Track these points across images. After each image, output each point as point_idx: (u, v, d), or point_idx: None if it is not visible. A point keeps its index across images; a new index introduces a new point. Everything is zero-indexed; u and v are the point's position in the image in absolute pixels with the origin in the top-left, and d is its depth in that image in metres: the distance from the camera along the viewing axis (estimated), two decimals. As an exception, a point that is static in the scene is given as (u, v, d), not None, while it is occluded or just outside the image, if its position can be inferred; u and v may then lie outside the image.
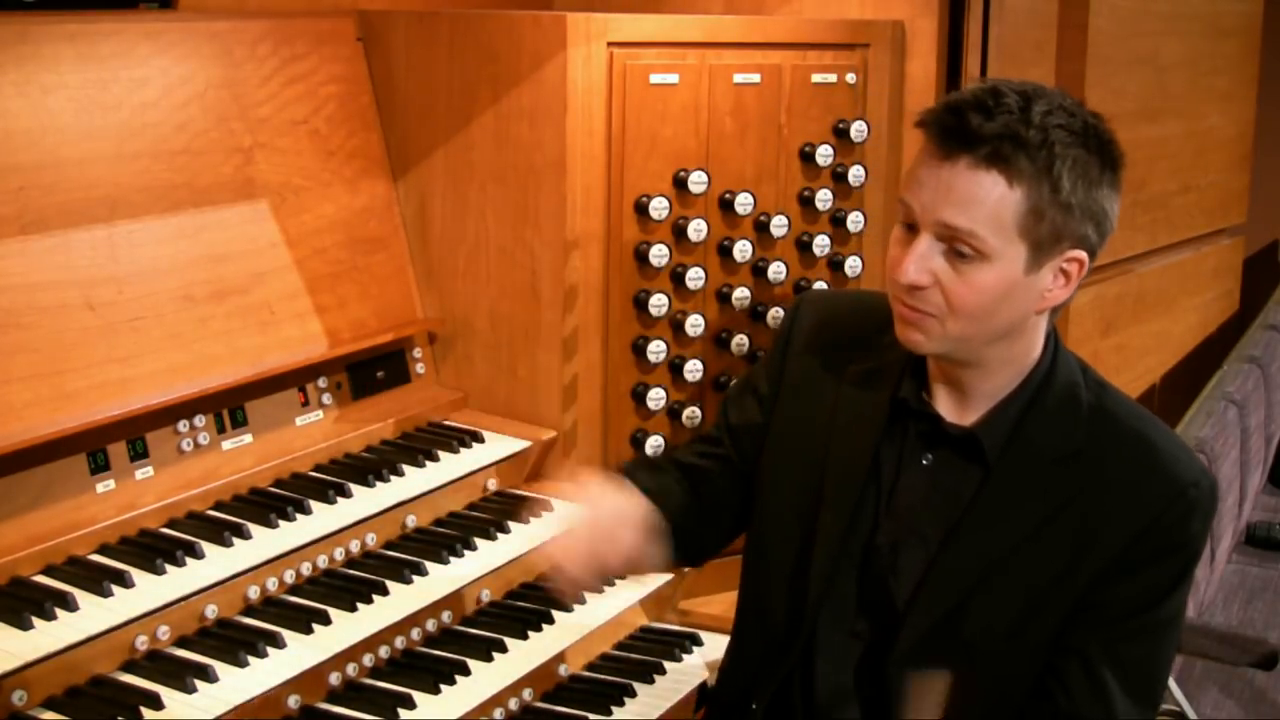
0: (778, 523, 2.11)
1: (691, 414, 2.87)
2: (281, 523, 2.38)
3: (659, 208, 2.78)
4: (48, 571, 2.17)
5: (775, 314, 2.94)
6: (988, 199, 1.80)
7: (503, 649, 2.31)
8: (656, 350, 2.83)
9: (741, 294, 2.91)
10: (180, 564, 2.22)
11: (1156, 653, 1.95)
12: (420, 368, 2.95)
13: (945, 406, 1.99)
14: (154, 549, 2.25)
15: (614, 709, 2.28)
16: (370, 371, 2.84)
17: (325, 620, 2.22)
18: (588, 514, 2.04)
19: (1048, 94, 1.85)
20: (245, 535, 2.32)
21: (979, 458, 1.96)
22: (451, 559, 2.46)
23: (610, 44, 2.71)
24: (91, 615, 2.06)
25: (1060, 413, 1.94)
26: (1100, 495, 1.90)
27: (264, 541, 2.32)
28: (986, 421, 1.95)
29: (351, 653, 2.18)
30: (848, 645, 2.02)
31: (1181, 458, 1.94)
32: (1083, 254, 1.88)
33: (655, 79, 2.76)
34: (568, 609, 2.46)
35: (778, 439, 2.15)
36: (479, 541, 2.53)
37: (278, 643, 2.14)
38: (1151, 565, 1.90)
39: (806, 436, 2.09)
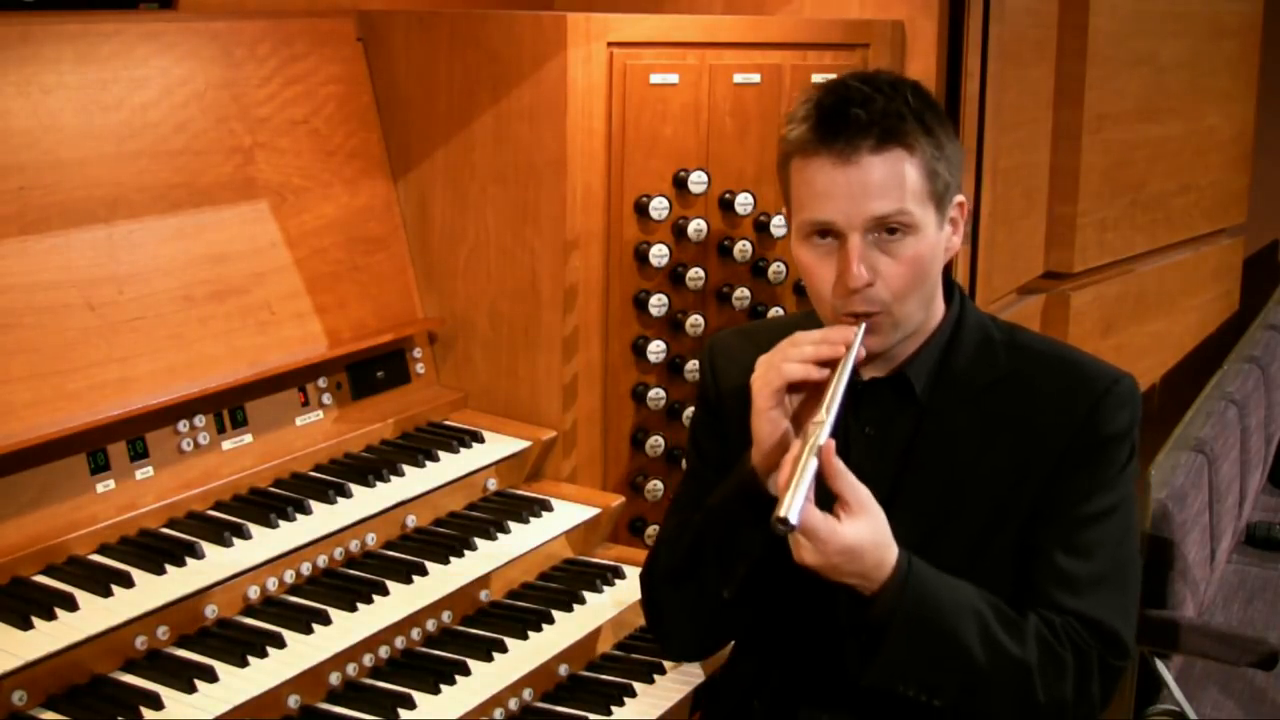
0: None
1: (691, 414, 2.86)
2: (281, 523, 2.38)
3: (659, 208, 2.78)
4: (48, 571, 2.17)
5: (775, 314, 2.94)
6: (901, 176, 1.89)
7: (503, 649, 2.31)
8: (656, 350, 2.83)
9: (741, 294, 2.91)
10: (180, 564, 2.22)
11: (1114, 535, 2.00)
12: (420, 368, 2.95)
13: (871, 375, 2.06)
14: (154, 549, 2.25)
15: (614, 709, 2.28)
16: (370, 371, 2.84)
17: (325, 620, 2.22)
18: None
19: (876, 73, 1.96)
20: (245, 535, 2.32)
21: (911, 399, 2.02)
22: (451, 559, 2.46)
23: (610, 44, 2.72)
24: (91, 615, 2.06)
25: (978, 349, 2.04)
26: (1033, 407, 1.99)
27: (264, 541, 2.33)
28: (910, 362, 2.02)
29: (351, 653, 2.18)
30: (837, 631, 2.02)
31: (1100, 364, 2.06)
32: (962, 197, 1.99)
33: (655, 79, 2.76)
34: (568, 609, 2.46)
35: None
36: (479, 541, 2.53)
37: (278, 643, 2.14)
38: (1092, 459, 1.98)
39: None
